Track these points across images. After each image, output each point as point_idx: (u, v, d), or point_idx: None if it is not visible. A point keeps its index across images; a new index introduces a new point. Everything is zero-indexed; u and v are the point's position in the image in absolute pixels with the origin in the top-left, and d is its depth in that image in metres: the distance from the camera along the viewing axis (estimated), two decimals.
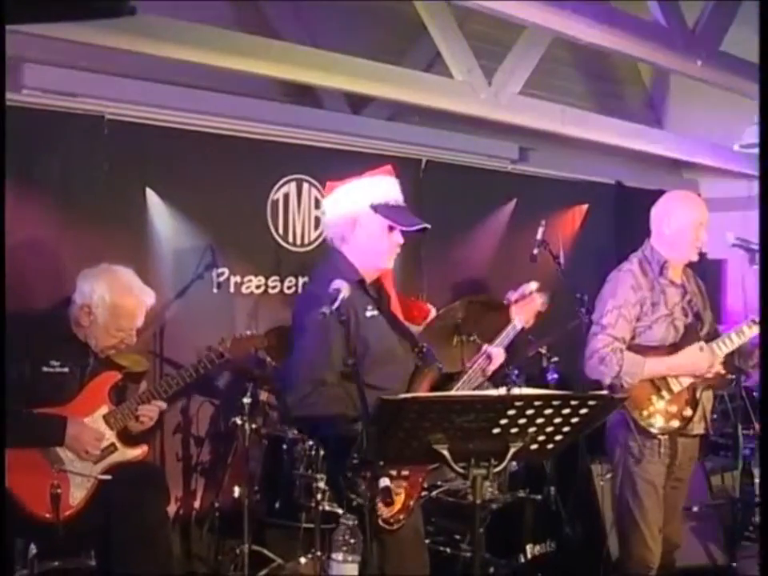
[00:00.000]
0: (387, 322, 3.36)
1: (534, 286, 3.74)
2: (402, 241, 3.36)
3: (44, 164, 4.59)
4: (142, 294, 4.08)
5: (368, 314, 3.21)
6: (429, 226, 3.33)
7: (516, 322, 3.70)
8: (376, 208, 3.31)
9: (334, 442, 3.27)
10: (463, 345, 3.84)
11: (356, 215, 3.33)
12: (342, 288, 3.04)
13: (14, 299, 4.30)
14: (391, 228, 3.32)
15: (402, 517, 3.14)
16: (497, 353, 3.60)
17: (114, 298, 3.98)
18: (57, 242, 4.61)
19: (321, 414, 3.17)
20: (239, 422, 4.64)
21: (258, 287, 5.45)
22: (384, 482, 2.78)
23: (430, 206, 5.79)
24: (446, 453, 2.64)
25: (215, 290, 5.21)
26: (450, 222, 6.13)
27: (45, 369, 3.88)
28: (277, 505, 4.55)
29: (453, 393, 3.20)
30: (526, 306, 3.73)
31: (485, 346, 3.63)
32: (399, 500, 3.14)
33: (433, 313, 4.56)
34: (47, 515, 3.61)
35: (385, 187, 3.37)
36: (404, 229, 3.33)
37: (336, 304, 2.99)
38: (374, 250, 3.35)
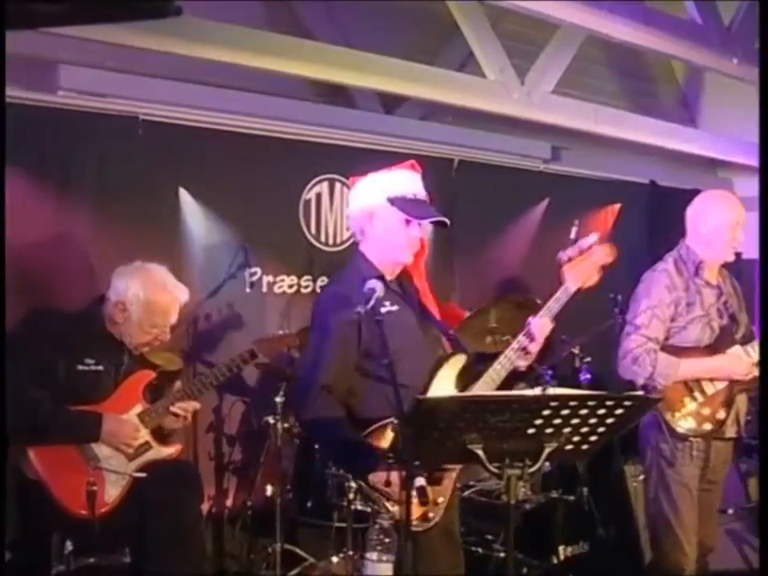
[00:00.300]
0: (411, 316, 3.35)
1: (593, 237, 3.43)
2: (420, 234, 3.34)
3: (80, 164, 4.64)
4: (176, 291, 4.10)
5: (383, 309, 3.12)
6: (445, 219, 3.29)
7: (569, 283, 3.34)
8: (392, 201, 3.29)
9: (340, 445, 3.27)
10: (497, 345, 3.82)
11: (373, 208, 3.32)
12: (377, 287, 3.04)
13: (50, 297, 4.50)
14: (408, 221, 3.29)
15: (431, 515, 3.13)
16: (542, 324, 3.29)
17: (148, 295, 4.01)
18: (92, 240, 4.66)
19: (328, 416, 3.17)
20: (271, 420, 4.65)
21: (290, 287, 5.47)
22: (419, 481, 2.77)
23: (462, 206, 5.85)
24: (480, 453, 2.63)
25: (248, 290, 5.23)
26: (482, 222, 6.13)
27: (80, 367, 3.91)
28: (309, 504, 4.55)
29: (488, 393, 3.15)
30: (583, 262, 3.37)
31: (529, 319, 3.32)
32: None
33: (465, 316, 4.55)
34: (83, 512, 3.64)
35: (403, 180, 3.35)
36: (418, 221, 3.30)
37: (371, 303, 2.99)
38: (392, 244, 3.32)
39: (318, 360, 3.20)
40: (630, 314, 4.02)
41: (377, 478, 3.06)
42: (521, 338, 3.30)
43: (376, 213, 3.32)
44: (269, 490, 4.69)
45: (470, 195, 6.05)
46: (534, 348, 3.32)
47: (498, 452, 2.66)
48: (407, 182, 3.36)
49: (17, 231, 4.20)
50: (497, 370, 3.27)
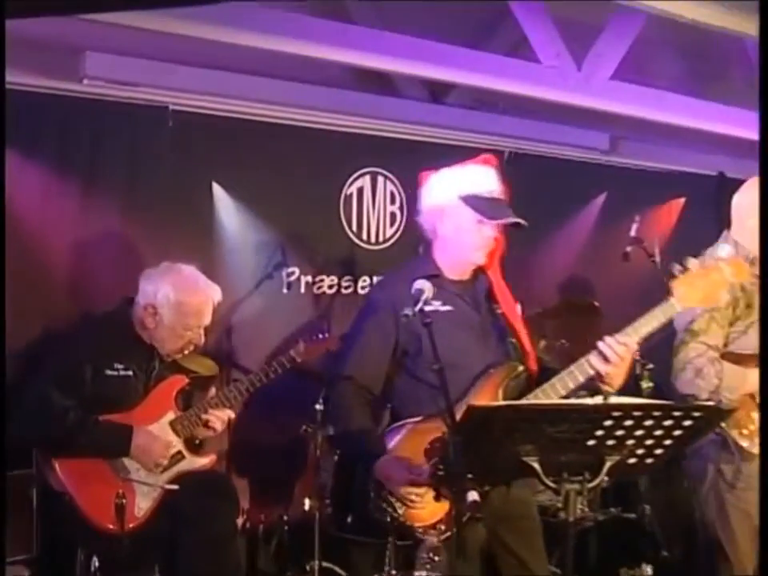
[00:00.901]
0: (470, 317, 3.39)
1: (725, 249, 3.32)
2: (493, 234, 3.37)
3: (106, 159, 4.69)
4: (208, 290, 4.14)
5: (430, 308, 3.10)
6: (520, 220, 3.34)
7: (675, 300, 3.13)
8: (465, 199, 3.34)
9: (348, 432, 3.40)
10: (549, 352, 3.78)
11: (444, 207, 3.38)
12: (425, 288, 3.05)
13: (76, 299, 4.60)
14: (481, 221, 3.33)
15: (443, 528, 3.14)
16: (623, 346, 3.10)
17: (178, 296, 4.04)
18: (120, 239, 4.70)
19: (342, 404, 3.38)
20: (310, 430, 4.67)
21: (330, 287, 5.50)
22: (472, 495, 2.76)
23: (513, 201, 5.77)
24: (536, 465, 2.63)
25: (285, 290, 5.28)
26: (534, 218, 5.94)
27: (108, 372, 3.95)
28: (349, 519, 4.44)
29: (546, 401, 3.12)
30: (703, 278, 3.18)
31: (606, 338, 3.13)
32: (431, 509, 3.15)
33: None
34: (111, 526, 3.66)
35: (476, 177, 3.40)
36: (490, 222, 3.34)
37: (419, 305, 3.01)
38: (463, 244, 3.37)
39: (346, 351, 3.43)
40: (682, 318, 3.73)
41: (382, 472, 3.19)
42: (593, 358, 3.17)
43: (447, 211, 3.38)
44: (306, 503, 4.70)
45: (522, 189, 5.71)
46: (611, 372, 3.16)
47: (555, 465, 2.64)
48: (481, 178, 3.40)
49: (39, 229, 4.43)
50: (556, 388, 3.19)
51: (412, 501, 3.16)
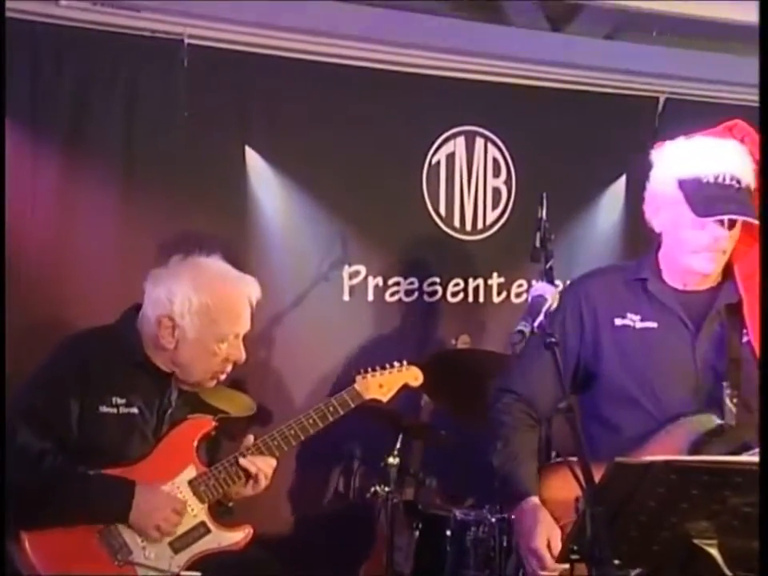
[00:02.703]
0: (675, 339, 3.45)
1: None
2: (723, 234, 3.37)
3: (95, 113, 4.68)
4: (242, 284, 4.07)
5: (619, 321, 3.34)
6: (745, 218, 3.34)
7: None
8: (682, 184, 3.39)
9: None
10: None
11: (659, 193, 3.47)
12: (547, 295, 3.09)
13: (58, 308, 4.64)
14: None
15: None
16: None
17: (203, 297, 3.95)
18: (119, 223, 4.74)
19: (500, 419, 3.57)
20: (381, 491, 4.67)
21: (408, 294, 5.47)
22: None
23: None
24: (714, 552, 2.64)
25: (346, 298, 5.31)
26: None
27: (104, 408, 3.87)
28: None
29: (728, 458, 3.05)
30: None
31: None
32: None
33: None
34: None
35: (707, 154, 3.42)
36: (705, 217, 3.36)
37: (539, 319, 3.00)
38: (679, 245, 3.44)
39: (518, 364, 3.62)
40: None
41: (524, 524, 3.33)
42: None
43: (662, 200, 3.48)
44: None
45: None
46: None
47: (742, 552, 2.66)
48: (710, 155, 3.42)
49: (9, 209, 4.38)
50: None
51: None
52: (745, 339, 3.47)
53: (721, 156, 3.43)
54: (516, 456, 3.48)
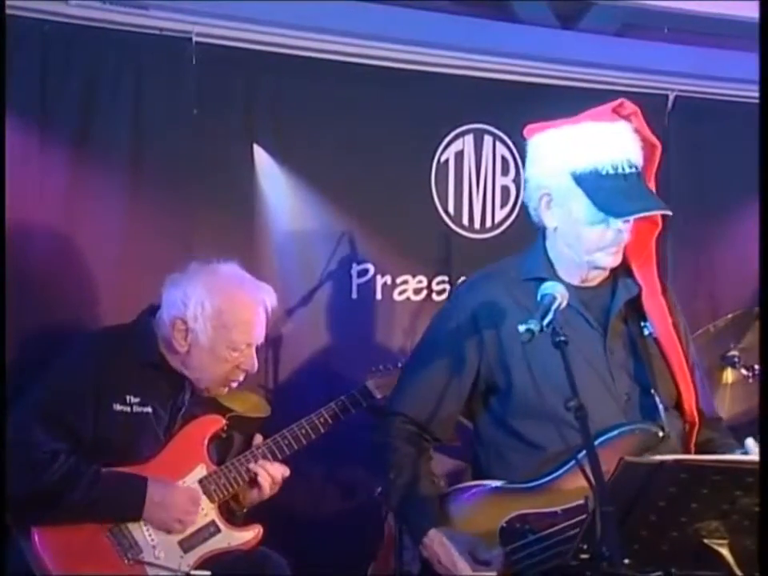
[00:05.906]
0: (592, 343, 3.37)
1: None
2: (625, 226, 3.28)
3: (103, 112, 4.69)
4: (257, 291, 4.11)
5: (523, 328, 3.00)
6: (661, 211, 3.29)
7: None
8: (579, 179, 3.24)
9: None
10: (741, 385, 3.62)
11: (549, 187, 3.31)
12: (558, 293, 3.03)
13: (71, 308, 4.66)
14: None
15: None
16: None
17: (217, 302, 4.01)
18: (127, 222, 4.74)
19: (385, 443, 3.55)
20: None
21: (417, 292, 5.48)
22: None
23: (679, 165, 5.82)
24: (725, 552, 2.66)
25: (354, 296, 5.32)
26: (710, 188, 6.12)
27: (117, 407, 3.93)
28: None
29: (739, 457, 3.01)
30: None
31: None
32: None
33: None
34: None
35: (597, 140, 3.28)
36: (620, 217, 3.25)
37: (549, 317, 2.94)
38: (581, 240, 3.31)
39: (403, 382, 3.63)
40: None
41: (432, 551, 3.32)
42: None
43: (554, 195, 3.32)
44: None
45: (692, 149, 6.00)
46: None
47: (753, 552, 2.67)
48: (605, 142, 3.28)
49: (14, 211, 4.33)
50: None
51: None
52: (647, 333, 3.42)
53: (614, 142, 3.29)
54: (410, 485, 3.43)
